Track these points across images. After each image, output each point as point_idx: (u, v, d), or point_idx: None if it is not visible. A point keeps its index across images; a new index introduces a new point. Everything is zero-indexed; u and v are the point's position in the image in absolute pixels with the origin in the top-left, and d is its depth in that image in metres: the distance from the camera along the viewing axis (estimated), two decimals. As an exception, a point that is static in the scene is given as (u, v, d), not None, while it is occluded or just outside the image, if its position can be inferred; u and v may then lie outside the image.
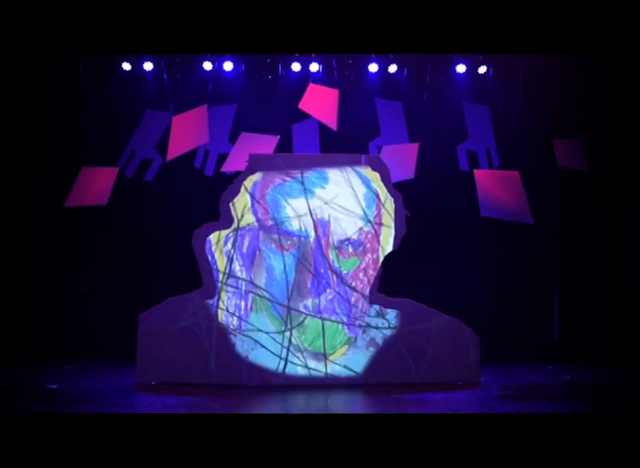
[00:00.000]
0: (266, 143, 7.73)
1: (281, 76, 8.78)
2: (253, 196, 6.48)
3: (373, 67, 8.68)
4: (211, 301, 6.39)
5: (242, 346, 6.34)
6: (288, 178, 6.51)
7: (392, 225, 6.48)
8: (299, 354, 6.34)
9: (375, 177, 6.53)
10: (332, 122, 7.70)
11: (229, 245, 6.45)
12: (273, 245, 6.42)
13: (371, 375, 6.35)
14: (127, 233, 8.57)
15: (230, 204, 6.47)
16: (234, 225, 6.45)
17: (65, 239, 8.53)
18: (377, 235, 6.47)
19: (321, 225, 6.41)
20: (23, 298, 8.32)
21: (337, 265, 6.39)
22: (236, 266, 6.43)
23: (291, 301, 6.38)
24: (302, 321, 6.36)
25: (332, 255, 6.40)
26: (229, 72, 8.74)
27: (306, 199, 6.46)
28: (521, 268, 8.67)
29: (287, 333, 6.35)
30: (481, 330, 6.63)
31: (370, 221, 6.46)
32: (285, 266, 6.40)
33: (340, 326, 6.37)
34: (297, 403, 5.67)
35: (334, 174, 6.51)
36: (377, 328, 6.39)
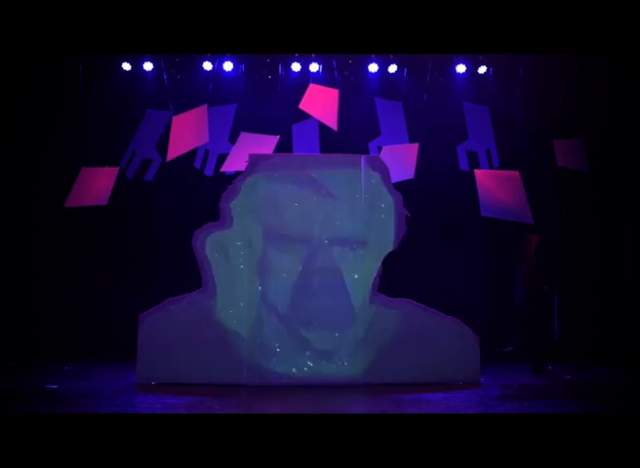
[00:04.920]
0: (266, 143, 7.73)
1: (281, 76, 8.78)
2: (253, 196, 6.47)
3: (373, 67, 8.69)
4: (211, 301, 6.38)
5: (242, 346, 6.34)
6: (290, 178, 6.50)
7: (392, 226, 6.48)
8: (300, 354, 6.34)
9: (375, 178, 6.53)
10: (332, 122, 7.69)
11: (229, 245, 6.45)
12: (273, 245, 6.41)
13: (371, 375, 6.35)
14: (127, 233, 8.57)
15: (230, 204, 6.46)
16: (234, 226, 6.45)
17: (65, 239, 8.53)
18: (377, 236, 6.47)
19: (322, 225, 6.40)
20: (23, 298, 8.32)
21: (337, 265, 6.38)
22: (236, 267, 6.43)
23: (294, 301, 6.37)
24: (304, 321, 6.36)
25: (333, 255, 6.39)
26: (229, 72, 8.75)
27: (308, 199, 6.45)
28: (521, 268, 8.66)
29: (288, 333, 6.35)
30: (481, 330, 6.63)
31: (370, 223, 6.46)
32: (285, 266, 6.39)
33: (341, 325, 6.38)
34: (297, 403, 5.67)
35: (336, 174, 6.51)
36: (376, 328, 6.39)
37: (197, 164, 8.38)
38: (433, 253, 8.50)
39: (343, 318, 6.38)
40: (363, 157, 6.65)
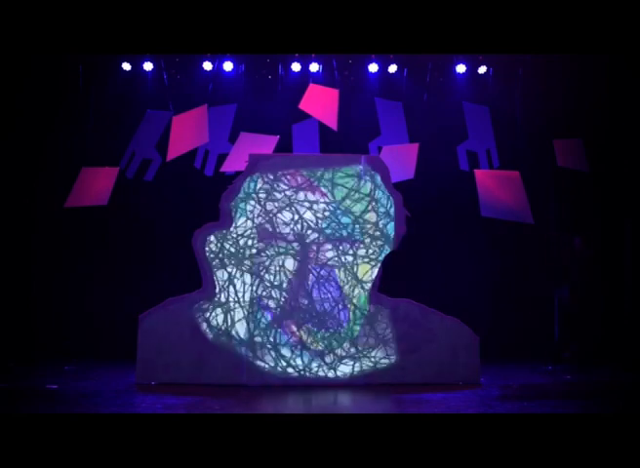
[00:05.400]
0: (266, 143, 7.73)
1: (281, 76, 8.78)
2: (252, 196, 6.48)
3: (373, 67, 8.69)
4: (211, 301, 6.39)
5: (242, 346, 6.34)
6: (289, 178, 6.50)
7: (392, 226, 6.48)
8: (300, 353, 6.34)
9: (375, 178, 6.54)
10: (332, 122, 7.69)
11: (229, 245, 6.45)
12: (273, 245, 6.41)
13: (371, 375, 6.35)
14: (127, 233, 8.57)
15: (230, 204, 6.47)
16: (234, 226, 6.45)
17: (65, 239, 8.53)
18: (377, 236, 6.48)
19: (323, 224, 6.40)
20: (23, 298, 8.32)
21: (336, 265, 6.39)
22: (236, 267, 6.43)
23: (292, 301, 6.38)
24: (303, 321, 6.36)
25: (331, 255, 6.40)
26: (229, 72, 8.75)
27: (307, 199, 6.46)
28: (521, 268, 8.67)
29: (288, 333, 6.36)
30: (481, 330, 6.63)
31: (370, 223, 6.47)
32: (284, 266, 6.40)
33: (341, 325, 6.38)
34: (297, 403, 5.67)
35: (336, 174, 6.51)
36: (376, 328, 6.39)
37: (197, 164, 8.38)
38: (433, 253, 8.50)
39: (342, 318, 6.39)
40: (363, 157, 6.66)
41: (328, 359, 6.36)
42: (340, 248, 6.43)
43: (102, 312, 8.39)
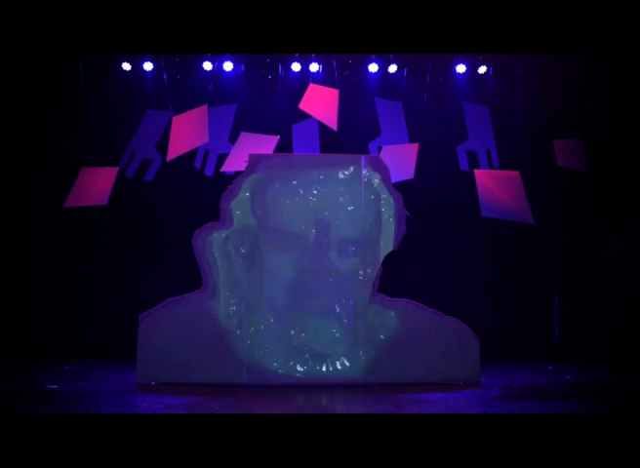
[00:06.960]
0: (266, 143, 7.72)
1: (281, 76, 8.79)
2: (253, 196, 6.48)
3: (373, 67, 8.69)
4: (211, 301, 6.39)
5: (242, 346, 6.34)
6: (289, 179, 6.50)
7: (392, 226, 6.48)
8: (300, 354, 6.34)
9: (375, 178, 6.54)
10: (332, 122, 7.69)
11: (229, 245, 6.45)
12: (273, 245, 6.41)
13: (371, 375, 6.35)
14: (127, 233, 8.57)
15: (230, 204, 6.46)
16: (234, 226, 6.45)
17: (65, 239, 8.53)
18: (377, 236, 6.48)
19: (322, 225, 6.40)
20: (23, 298, 8.32)
21: (337, 265, 6.38)
22: (236, 267, 6.43)
23: (291, 302, 6.37)
24: (304, 321, 6.36)
25: (332, 256, 6.39)
26: (229, 72, 8.75)
27: (308, 199, 6.46)
28: (521, 268, 8.67)
29: (288, 333, 6.36)
30: (481, 330, 6.63)
31: (370, 223, 6.46)
32: (285, 267, 6.39)
33: (341, 325, 6.38)
34: (297, 402, 5.67)
35: (336, 174, 6.51)
36: (376, 328, 6.39)
37: (197, 164, 8.38)
38: (433, 253, 8.50)
39: (343, 318, 6.38)
40: (363, 157, 6.65)
41: (328, 359, 6.34)
42: (343, 248, 6.39)
43: (102, 312, 8.39)
